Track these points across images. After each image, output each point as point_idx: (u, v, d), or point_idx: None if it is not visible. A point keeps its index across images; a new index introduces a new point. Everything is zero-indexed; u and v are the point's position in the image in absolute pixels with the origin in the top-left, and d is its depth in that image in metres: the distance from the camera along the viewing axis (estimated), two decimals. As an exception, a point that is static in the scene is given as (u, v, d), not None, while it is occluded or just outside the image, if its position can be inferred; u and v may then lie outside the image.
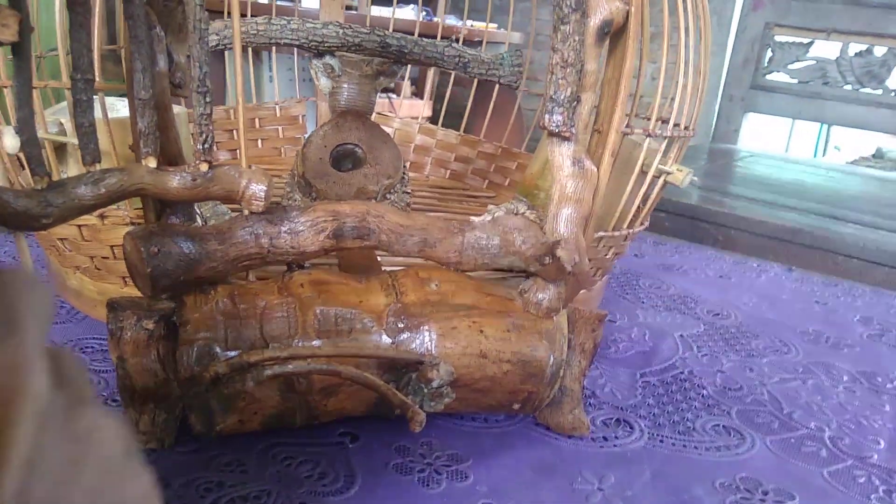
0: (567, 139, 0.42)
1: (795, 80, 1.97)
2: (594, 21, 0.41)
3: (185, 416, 0.38)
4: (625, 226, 0.53)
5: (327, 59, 0.59)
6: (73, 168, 0.45)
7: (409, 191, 0.60)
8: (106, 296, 0.49)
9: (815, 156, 4.35)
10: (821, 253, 1.05)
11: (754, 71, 2.03)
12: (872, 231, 1.11)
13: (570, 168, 0.42)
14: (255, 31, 0.57)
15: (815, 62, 1.93)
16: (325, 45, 0.57)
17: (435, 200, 0.79)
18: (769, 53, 2.00)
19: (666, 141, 0.53)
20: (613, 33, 0.43)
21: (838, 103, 1.89)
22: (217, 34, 0.57)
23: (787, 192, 1.37)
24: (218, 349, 0.37)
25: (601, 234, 0.51)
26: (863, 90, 1.86)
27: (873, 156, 4.48)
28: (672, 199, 1.19)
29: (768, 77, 2.01)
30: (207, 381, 0.35)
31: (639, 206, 0.55)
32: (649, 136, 0.50)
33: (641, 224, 0.56)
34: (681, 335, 0.61)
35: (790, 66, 1.97)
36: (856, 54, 1.87)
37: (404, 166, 0.60)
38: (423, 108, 1.34)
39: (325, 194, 0.55)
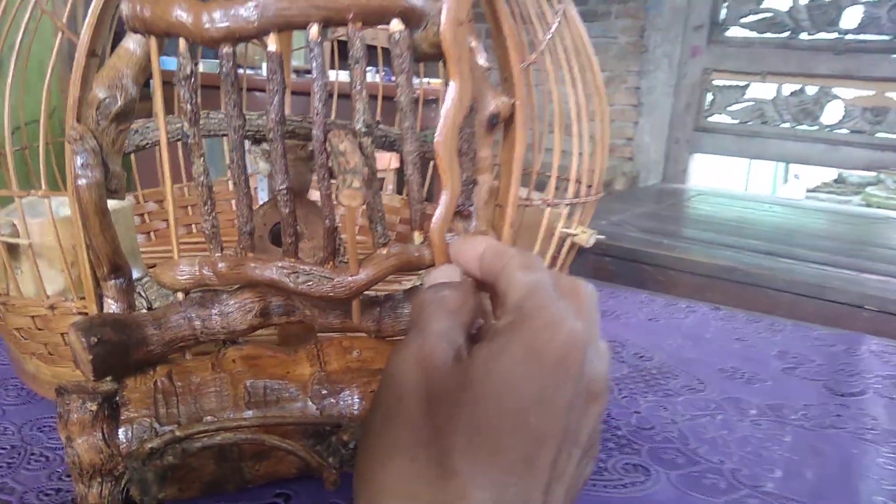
0: (467, 217, 0.47)
1: (736, 121, 2.07)
2: (483, 115, 0.47)
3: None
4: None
5: (264, 145, 0.64)
6: (25, 266, 0.49)
7: (345, 259, 0.65)
8: (59, 378, 0.53)
9: (774, 186, 4.48)
10: (754, 289, 1.11)
11: (696, 114, 2.13)
12: (803, 265, 1.17)
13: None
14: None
15: (752, 103, 2.03)
16: (261, 133, 0.63)
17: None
18: (710, 97, 2.11)
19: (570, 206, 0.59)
20: (504, 123, 0.49)
21: (777, 140, 1.99)
22: (147, 131, 0.62)
23: (727, 230, 1.45)
24: (157, 425, 0.41)
25: (513, 294, 0.56)
26: (799, 127, 1.96)
27: (835, 181, 4.63)
28: (616, 244, 1.25)
29: (710, 119, 2.11)
30: (145, 456, 0.39)
31: (551, 265, 0.60)
32: (548, 205, 0.55)
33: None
34: (604, 380, 0.66)
35: (730, 108, 2.08)
36: (790, 94, 1.98)
37: (339, 238, 0.65)
38: (390, 159, 1.40)
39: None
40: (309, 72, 0.41)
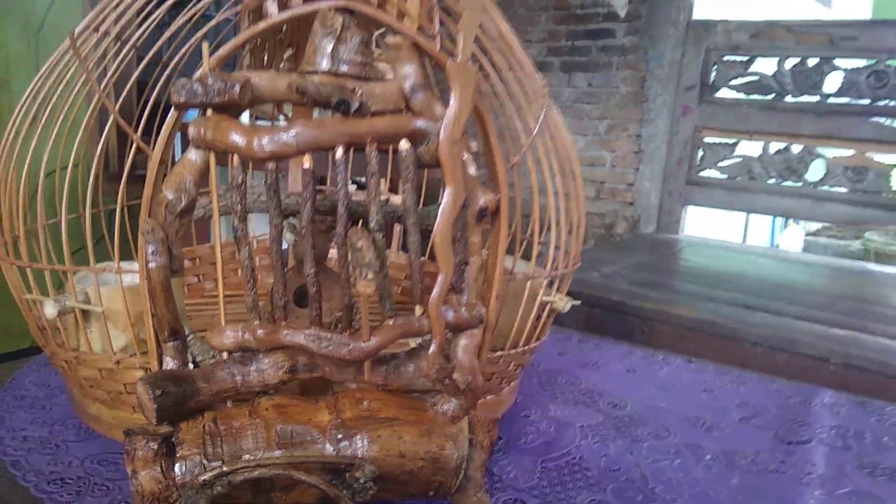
0: (459, 292, 0.58)
1: (725, 176, 2.18)
2: (473, 209, 0.57)
3: (181, 512, 0.52)
4: (521, 344, 0.68)
5: (291, 219, 0.75)
6: (95, 327, 0.60)
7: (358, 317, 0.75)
8: (119, 420, 0.63)
9: (773, 231, 4.56)
10: (729, 341, 1.21)
11: (689, 168, 2.24)
12: (777, 318, 1.27)
13: (466, 312, 0.57)
14: (231, 203, 0.73)
15: (741, 159, 2.15)
16: (289, 210, 0.74)
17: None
18: (700, 153, 2.22)
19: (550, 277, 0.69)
20: (492, 214, 0.60)
21: (765, 195, 2.10)
22: (203, 207, 0.73)
23: (712, 282, 1.54)
24: (205, 461, 0.51)
25: (499, 353, 0.66)
26: (785, 183, 2.07)
27: (835, 225, 4.71)
28: (606, 297, 1.35)
29: (701, 174, 2.22)
30: (198, 486, 0.49)
31: (533, 327, 0.70)
32: (529, 279, 0.66)
33: (538, 340, 0.72)
34: (581, 426, 0.76)
35: (720, 164, 2.19)
36: (776, 152, 2.09)
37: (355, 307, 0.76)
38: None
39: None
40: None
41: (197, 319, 0.88)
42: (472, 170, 0.55)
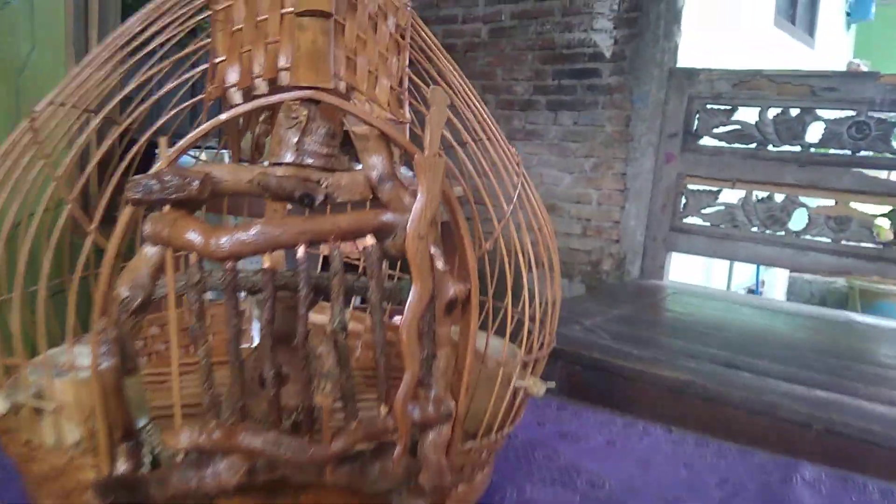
0: (427, 387, 0.56)
1: (708, 223, 2.18)
2: (442, 301, 0.56)
3: None
4: (494, 431, 0.66)
5: (259, 296, 0.73)
6: (48, 421, 0.57)
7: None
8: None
9: (757, 268, 4.57)
10: (710, 404, 1.19)
11: (672, 215, 2.24)
12: (761, 380, 1.25)
13: (433, 409, 0.55)
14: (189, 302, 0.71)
15: (724, 207, 2.15)
16: (257, 287, 0.72)
17: (363, 385, 0.92)
18: (683, 200, 2.22)
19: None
20: (462, 305, 0.58)
21: (747, 244, 2.10)
22: (164, 286, 0.71)
23: (693, 337, 1.53)
24: (156, 573, 0.48)
25: (469, 444, 0.64)
26: (768, 232, 2.07)
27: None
28: (586, 354, 1.34)
29: (685, 220, 2.22)
30: None
31: (507, 411, 0.68)
32: (501, 366, 0.64)
33: (511, 424, 0.70)
34: (557, 511, 0.74)
35: (703, 211, 2.19)
36: (758, 200, 2.09)
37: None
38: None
39: (253, 410, 0.68)
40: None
41: (165, 392, 0.85)
42: (439, 264, 0.53)
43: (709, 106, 2.14)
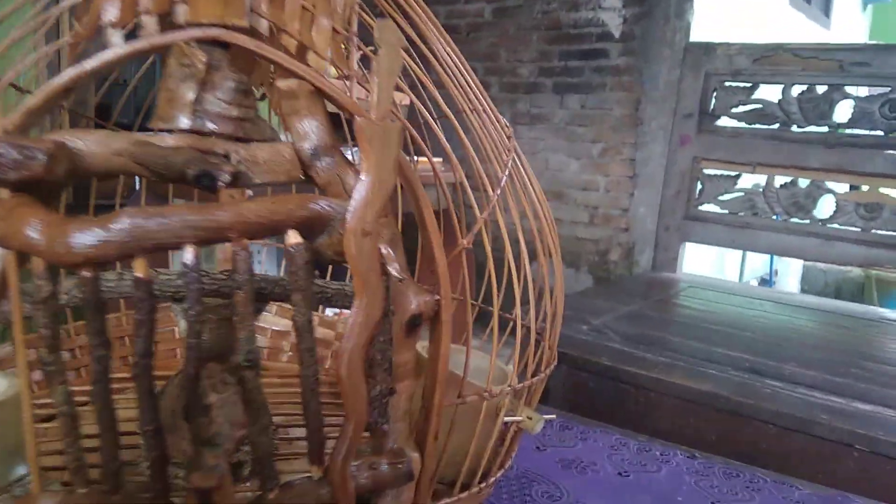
0: (381, 436, 0.41)
1: (726, 211, 2.03)
2: (402, 317, 0.41)
3: None
4: (477, 481, 0.52)
5: (184, 304, 0.58)
6: None
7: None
8: None
9: (771, 256, 4.42)
10: (738, 418, 1.04)
11: (686, 202, 2.09)
12: (790, 389, 1.11)
13: (387, 468, 0.41)
14: (107, 288, 0.57)
15: (743, 194, 1.99)
16: (180, 293, 0.57)
17: (331, 400, 0.78)
18: (699, 186, 2.07)
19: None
20: (430, 321, 0.43)
21: (768, 233, 1.95)
22: (67, 293, 0.57)
23: (714, 338, 1.38)
24: None
25: (445, 501, 0.49)
26: (791, 220, 1.92)
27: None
28: (594, 360, 1.19)
29: (700, 208, 2.07)
30: None
31: (494, 453, 0.54)
32: (484, 398, 0.49)
33: (500, 469, 0.55)
34: (558, 569, 0.59)
35: (720, 198, 2.03)
36: (781, 186, 1.94)
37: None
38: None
39: (174, 448, 0.54)
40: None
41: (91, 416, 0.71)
42: (393, 270, 0.38)
43: (727, 83, 1.98)
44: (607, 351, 1.22)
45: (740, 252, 3.58)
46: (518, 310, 0.51)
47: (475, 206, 0.47)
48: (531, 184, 0.56)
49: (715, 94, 2.02)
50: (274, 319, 0.88)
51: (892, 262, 1.75)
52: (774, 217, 1.91)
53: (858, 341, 1.50)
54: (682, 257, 2.12)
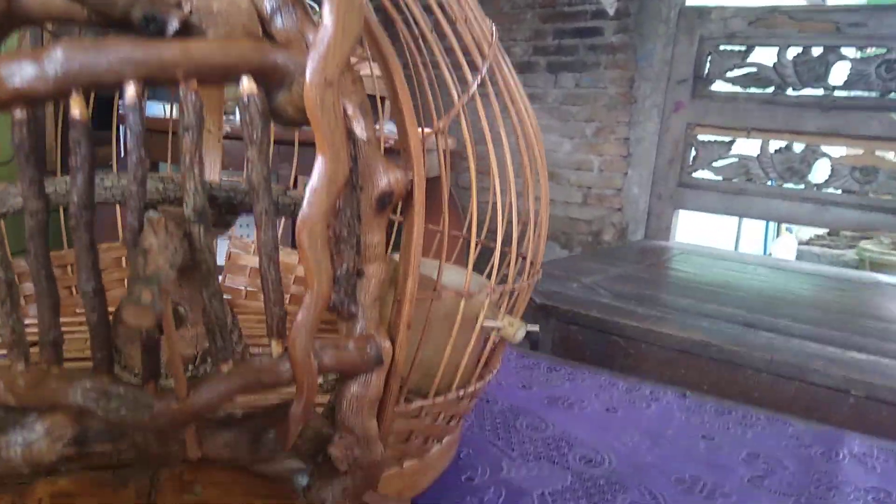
0: (349, 319, 0.38)
1: (720, 178, 2.00)
2: (371, 193, 0.38)
3: None
4: (454, 387, 0.49)
5: (150, 213, 0.55)
6: None
7: (244, 344, 0.56)
8: None
9: (766, 239, 4.41)
10: (730, 366, 1.02)
11: (680, 169, 2.06)
12: (785, 339, 1.08)
13: (353, 349, 0.38)
14: (64, 192, 0.54)
15: (737, 159, 1.96)
16: (151, 200, 0.54)
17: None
18: (693, 152, 2.04)
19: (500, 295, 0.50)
20: (402, 201, 0.40)
21: (763, 199, 1.92)
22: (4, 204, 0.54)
23: (706, 296, 1.36)
24: None
25: (419, 403, 0.46)
26: (786, 185, 1.89)
27: (828, 234, 4.57)
28: (584, 313, 1.16)
29: (694, 175, 2.04)
30: None
31: (474, 362, 0.51)
32: (463, 296, 0.46)
33: (480, 379, 0.52)
34: (542, 493, 0.57)
35: (714, 164, 2.01)
36: (776, 151, 1.91)
37: (234, 319, 0.56)
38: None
39: (131, 361, 0.51)
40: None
41: (69, 344, 0.68)
42: (358, 129, 0.36)
43: (721, 47, 1.95)
44: (597, 305, 1.20)
45: (734, 232, 3.56)
46: (498, 206, 0.48)
47: (453, 85, 0.44)
48: (514, 85, 0.53)
49: (709, 58, 1.99)
50: (253, 259, 0.85)
51: (887, 227, 1.73)
52: (769, 183, 1.88)
53: (855, 301, 1.48)
54: (675, 226, 2.09)
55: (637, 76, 2.41)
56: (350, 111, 0.35)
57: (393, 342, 0.40)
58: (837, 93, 1.82)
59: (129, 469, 0.39)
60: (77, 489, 0.36)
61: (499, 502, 0.55)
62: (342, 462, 0.35)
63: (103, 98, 0.47)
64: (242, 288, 0.82)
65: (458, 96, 0.45)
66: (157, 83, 0.32)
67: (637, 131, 2.37)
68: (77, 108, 0.30)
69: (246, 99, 0.33)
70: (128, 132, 0.31)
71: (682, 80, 2.05)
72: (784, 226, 4.64)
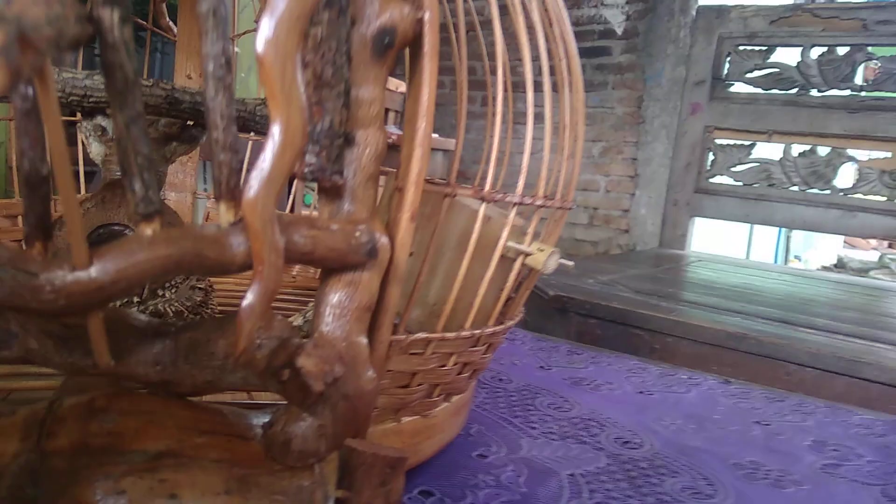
0: (335, 193, 0.28)
1: (740, 183, 1.90)
2: (366, 29, 0.28)
3: None
4: (467, 324, 0.38)
5: (98, 119, 0.45)
6: None
7: (202, 287, 0.46)
8: None
9: (776, 257, 4.31)
10: (769, 362, 0.91)
11: (697, 175, 1.97)
12: (828, 336, 0.98)
13: (338, 231, 0.28)
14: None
15: (758, 164, 1.87)
16: (91, 100, 0.44)
17: (296, 305, 0.65)
18: (711, 156, 1.95)
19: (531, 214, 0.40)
20: (409, 47, 0.31)
21: (786, 205, 1.82)
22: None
23: (733, 295, 1.25)
24: None
25: (423, 335, 0.36)
26: (810, 191, 1.79)
27: (835, 265, 4.48)
28: (604, 304, 1.06)
29: (712, 180, 1.94)
30: None
31: (494, 297, 0.40)
32: (483, 200, 0.36)
33: (510, 319, 0.42)
34: (571, 474, 0.46)
35: (733, 169, 1.91)
36: (799, 154, 1.82)
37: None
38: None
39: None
40: None
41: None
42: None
43: (741, 47, 1.86)
44: (617, 298, 1.09)
45: (745, 247, 3.46)
46: (530, 124, 0.38)
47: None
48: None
49: (728, 58, 1.90)
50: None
51: (920, 233, 1.63)
52: (792, 188, 1.78)
53: (887, 305, 1.37)
54: (691, 234, 1.99)
55: (645, 96, 2.34)
56: None
57: (392, 241, 0.30)
58: (865, 93, 1.73)
59: (20, 392, 0.28)
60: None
61: (519, 481, 0.44)
62: (316, 379, 0.25)
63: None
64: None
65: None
66: None
67: (645, 151, 2.29)
68: None
69: None
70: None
71: (699, 81, 1.96)
72: (792, 253, 4.55)
